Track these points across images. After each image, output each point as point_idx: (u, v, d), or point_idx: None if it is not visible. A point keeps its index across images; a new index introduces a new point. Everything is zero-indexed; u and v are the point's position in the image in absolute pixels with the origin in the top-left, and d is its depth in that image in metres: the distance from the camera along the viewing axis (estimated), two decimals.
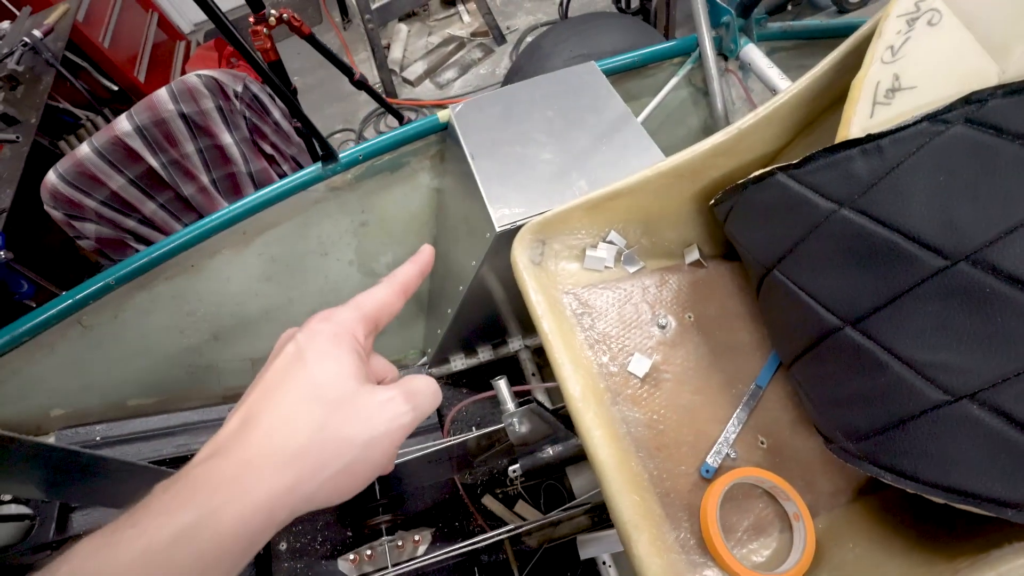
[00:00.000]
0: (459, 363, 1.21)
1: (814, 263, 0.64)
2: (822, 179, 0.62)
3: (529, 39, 2.90)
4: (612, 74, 1.14)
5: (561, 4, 2.81)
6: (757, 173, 0.71)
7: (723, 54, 1.17)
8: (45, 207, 1.22)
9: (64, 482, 0.71)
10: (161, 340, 1.03)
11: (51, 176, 1.19)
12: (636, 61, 1.16)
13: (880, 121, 0.61)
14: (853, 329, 0.60)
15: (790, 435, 0.74)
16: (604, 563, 1.00)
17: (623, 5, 2.71)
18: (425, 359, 1.20)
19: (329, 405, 0.31)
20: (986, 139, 0.50)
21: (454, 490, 1.05)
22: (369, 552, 0.91)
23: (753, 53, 1.11)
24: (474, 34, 3.01)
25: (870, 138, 0.58)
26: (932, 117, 0.54)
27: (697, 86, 1.21)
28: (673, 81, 1.16)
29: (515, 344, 1.22)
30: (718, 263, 0.91)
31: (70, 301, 0.96)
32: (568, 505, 0.87)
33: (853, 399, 0.61)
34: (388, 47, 3.02)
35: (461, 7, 3.19)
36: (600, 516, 1.02)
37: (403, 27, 3.13)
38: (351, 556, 0.91)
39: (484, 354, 1.25)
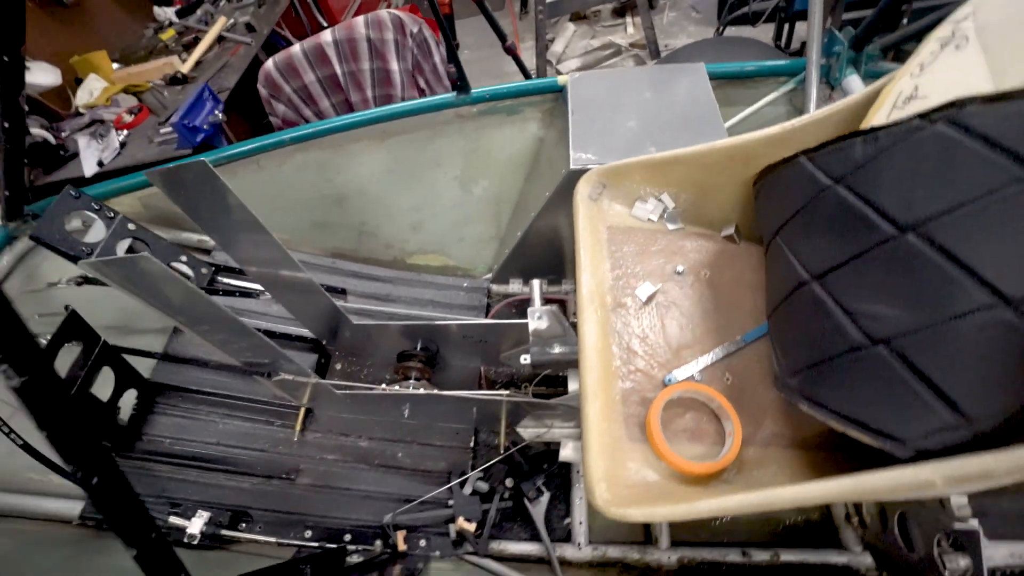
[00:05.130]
0: (516, 287, 1.40)
1: (804, 229, 0.76)
2: (829, 160, 0.74)
3: None
4: (717, 78, 1.26)
5: (718, 31, 2.91)
6: (786, 156, 0.83)
7: (829, 83, 1.26)
8: (258, 85, 1.60)
9: None
10: (303, 192, 1.33)
11: (268, 63, 1.57)
12: (742, 72, 1.28)
13: (890, 122, 0.70)
14: (816, 282, 0.71)
15: (755, 383, 0.85)
16: (578, 471, 1.15)
17: (782, 44, 2.75)
18: (489, 275, 1.41)
19: None
20: (955, 135, 0.60)
21: (477, 380, 1.24)
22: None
23: (855, 85, 1.19)
24: (633, 44, 3.19)
25: (873, 129, 0.69)
26: (924, 115, 0.64)
27: (796, 107, 1.30)
28: (771, 96, 1.27)
29: (567, 286, 1.38)
30: (749, 245, 1.02)
31: (255, 144, 1.29)
32: (563, 398, 1.03)
33: (802, 341, 0.73)
34: (553, 40, 3.30)
35: (629, 18, 3.39)
36: None
37: (571, 26, 3.39)
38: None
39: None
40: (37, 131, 1.89)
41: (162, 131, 1.80)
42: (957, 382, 0.57)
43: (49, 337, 0.86)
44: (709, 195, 1.01)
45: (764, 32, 2.84)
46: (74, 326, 0.85)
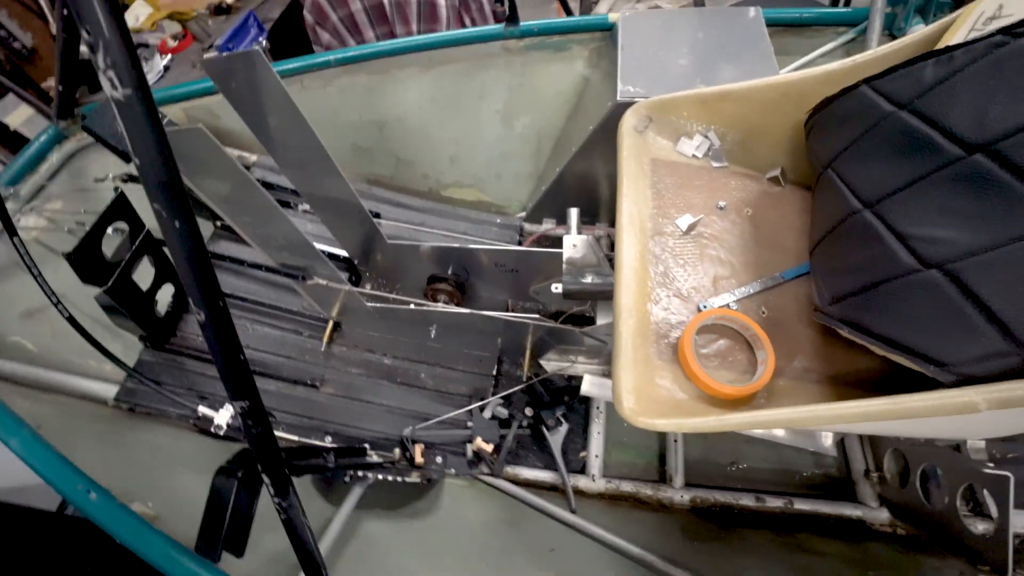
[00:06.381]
0: (549, 226, 1.39)
1: (860, 158, 0.73)
2: (894, 87, 0.70)
3: None
4: (772, 25, 1.21)
5: None
6: (846, 87, 0.80)
7: (892, 33, 1.20)
8: (304, 11, 1.60)
9: None
10: (345, 115, 1.32)
11: None
12: (800, 19, 1.23)
13: (968, 40, 0.67)
14: (867, 210, 0.69)
15: (790, 319, 0.83)
16: (598, 408, 1.15)
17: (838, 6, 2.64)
18: (523, 213, 1.40)
19: None
20: None
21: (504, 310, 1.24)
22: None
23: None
24: (681, 7, 3.10)
25: (947, 49, 0.65)
26: (1006, 30, 0.61)
27: None
28: (829, 46, 1.22)
29: (599, 229, 1.37)
30: (795, 188, 0.99)
31: (299, 64, 1.29)
32: (590, 328, 1.03)
33: (847, 269, 0.71)
34: (597, 3, 3.22)
35: None
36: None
37: None
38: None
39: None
40: (82, 50, 1.91)
41: (205, 57, 1.81)
42: (1013, 307, 0.55)
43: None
44: (757, 135, 0.99)
45: None
46: (122, 208, 0.86)
